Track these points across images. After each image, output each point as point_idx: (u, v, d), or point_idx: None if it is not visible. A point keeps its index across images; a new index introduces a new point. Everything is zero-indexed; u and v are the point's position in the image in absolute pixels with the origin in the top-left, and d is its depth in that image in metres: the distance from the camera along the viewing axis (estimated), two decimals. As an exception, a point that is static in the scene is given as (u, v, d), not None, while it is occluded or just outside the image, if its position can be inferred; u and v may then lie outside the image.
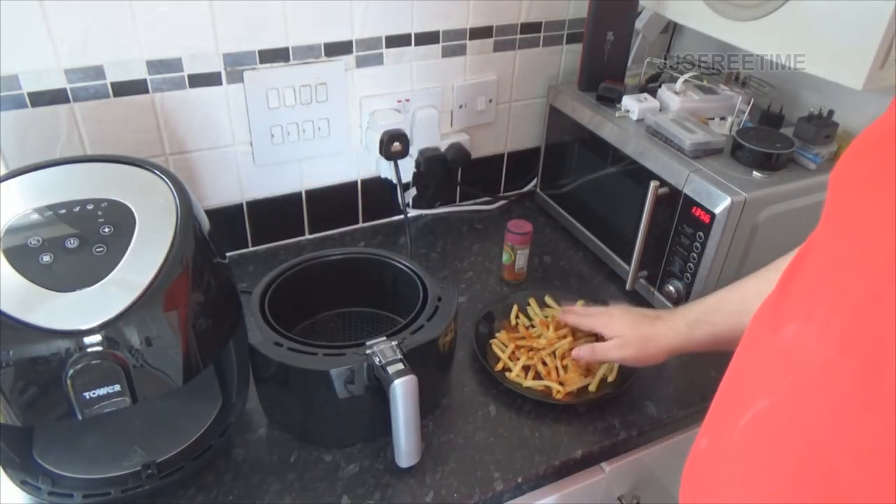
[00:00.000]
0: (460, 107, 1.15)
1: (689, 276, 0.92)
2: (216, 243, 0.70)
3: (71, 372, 0.56)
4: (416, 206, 1.20)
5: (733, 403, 0.47)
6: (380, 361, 0.69)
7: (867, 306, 0.36)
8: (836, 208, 0.43)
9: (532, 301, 0.97)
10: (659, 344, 0.76)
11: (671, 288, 0.95)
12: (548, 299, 0.98)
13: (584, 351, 0.82)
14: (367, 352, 0.71)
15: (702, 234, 0.88)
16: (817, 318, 0.39)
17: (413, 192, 1.18)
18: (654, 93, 1.04)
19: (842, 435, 0.36)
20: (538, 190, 1.25)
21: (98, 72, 0.87)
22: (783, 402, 0.40)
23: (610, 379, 0.86)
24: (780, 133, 0.94)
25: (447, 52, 1.09)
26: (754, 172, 0.88)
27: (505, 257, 1.05)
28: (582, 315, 0.87)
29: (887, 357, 0.34)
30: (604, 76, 1.07)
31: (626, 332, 0.79)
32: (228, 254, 1.01)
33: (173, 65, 0.91)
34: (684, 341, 0.75)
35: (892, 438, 0.33)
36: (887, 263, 0.35)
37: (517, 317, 0.96)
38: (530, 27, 1.13)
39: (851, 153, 0.43)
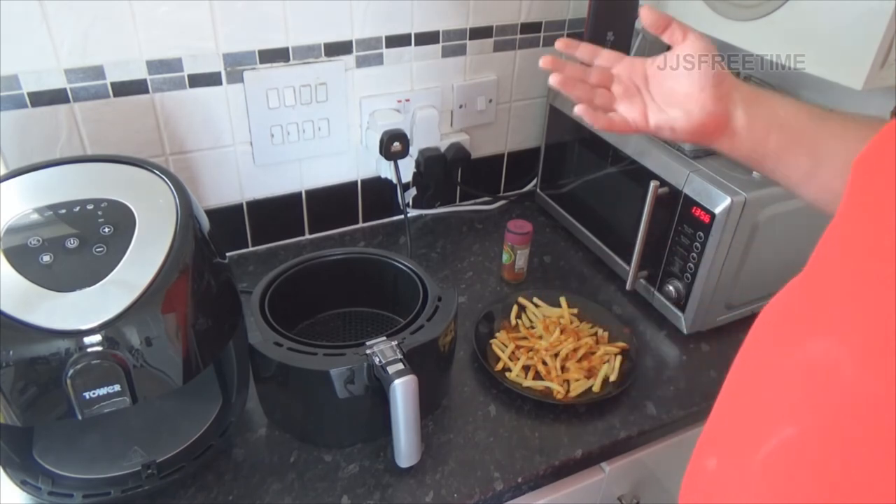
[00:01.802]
0: (460, 107, 1.15)
1: (689, 276, 0.92)
2: (216, 243, 0.70)
3: (71, 372, 0.56)
4: (416, 206, 1.20)
5: (750, 424, 0.43)
6: (380, 361, 0.69)
7: None
8: (864, 200, 0.38)
9: (528, 302, 0.98)
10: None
11: (671, 288, 0.95)
12: (536, 300, 0.98)
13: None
14: (367, 352, 0.71)
15: (702, 234, 0.88)
16: (852, 339, 0.35)
17: (413, 192, 1.18)
18: (654, 93, 1.04)
19: (884, 475, 0.33)
20: (538, 190, 1.25)
21: (98, 72, 0.87)
22: (813, 432, 0.37)
23: (612, 379, 0.86)
24: (780, 133, 0.94)
25: (447, 52, 1.09)
26: (754, 172, 0.88)
27: (505, 257, 1.05)
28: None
29: None
30: (604, 76, 1.07)
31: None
32: (228, 254, 1.01)
33: (173, 65, 0.91)
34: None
35: None
36: None
37: (517, 317, 0.96)
38: (530, 27, 1.13)
39: (882, 140, 0.38)
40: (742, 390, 0.45)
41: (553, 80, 0.61)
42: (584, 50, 0.64)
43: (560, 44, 0.65)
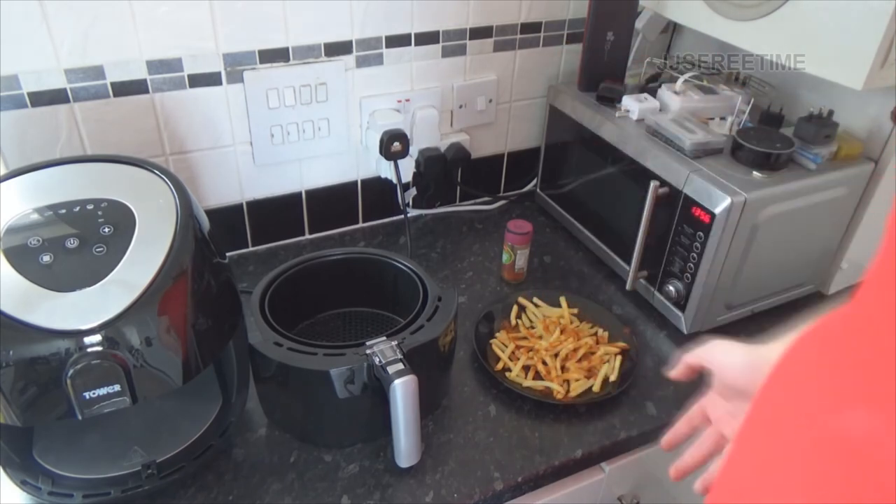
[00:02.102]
0: (460, 107, 1.15)
1: (689, 276, 0.92)
2: (216, 243, 0.70)
3: (71, 372, 0.56)
4: (416, 206, 1.20)
5: (776, 496, 0.37)
6: (380, 361, 0.69)
7: None
8: None
9: (528, 302, 0.98)
10: None
11: (671, 288, 0.95)
12: (536, 300, 0.98)
13: None
14: (367, 352, 0.71)
15: (702, 234, 0.88)
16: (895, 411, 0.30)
17: (413, 192, 1.18)
18: (654, 93, 1.04)
19: None
20: (538, 190, 1.25)
21: (98, 72, 0.87)
22: None
23: (612, 379, 0.86)
24: (780, 133, 0.94)
25: (447, 52, 1.09)
26: (754, 172, 0.88)
27: (505, 257, 1.05)
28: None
29: None
30: (604, 76, 1.07)
31: None
32: (228, 254, 1.01)
33: (173, 65, 0.91)
34: None
35: None
36: None
37: (517, 317, 0.96)
38: (530, 27, 1.13)
39: None
40: (764, 451, 0.40)
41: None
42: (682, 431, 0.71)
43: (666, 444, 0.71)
